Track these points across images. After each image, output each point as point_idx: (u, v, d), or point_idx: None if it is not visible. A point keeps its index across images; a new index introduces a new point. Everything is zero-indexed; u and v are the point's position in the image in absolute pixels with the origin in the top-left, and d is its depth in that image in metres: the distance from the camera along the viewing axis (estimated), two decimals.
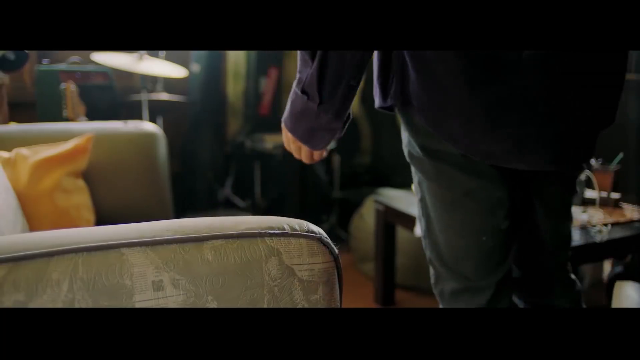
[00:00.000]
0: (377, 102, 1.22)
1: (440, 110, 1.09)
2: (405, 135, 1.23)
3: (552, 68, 1.03)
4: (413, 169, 1.25)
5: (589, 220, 2.14)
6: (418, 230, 2.16)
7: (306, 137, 1.14)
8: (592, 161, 2.38)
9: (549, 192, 1.28)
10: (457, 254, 1.21)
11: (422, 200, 1.24)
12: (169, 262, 0.61)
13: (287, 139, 1.19)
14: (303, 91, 1.08)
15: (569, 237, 1.37)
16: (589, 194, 2.39)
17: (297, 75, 1.10)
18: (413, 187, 1.28)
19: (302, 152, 1.19)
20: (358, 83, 1.08)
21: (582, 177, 2.34)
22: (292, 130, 1.15)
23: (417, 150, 1.18)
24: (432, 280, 1.29)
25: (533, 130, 1.07)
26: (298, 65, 1.10)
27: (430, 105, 1.10)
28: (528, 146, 1.08)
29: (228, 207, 3.73)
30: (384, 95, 1.19)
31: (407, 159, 1.24)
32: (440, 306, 1.28)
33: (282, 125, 1.18)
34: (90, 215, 1.69)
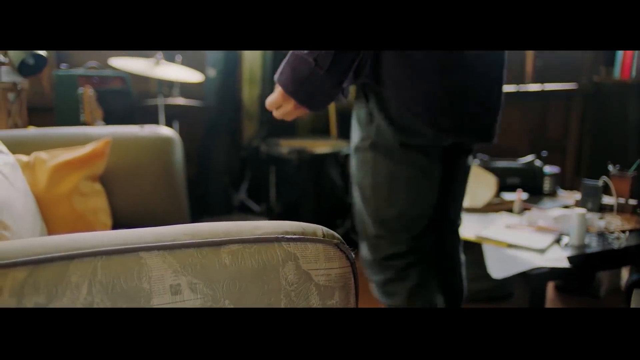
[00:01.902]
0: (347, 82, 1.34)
1: (411, 89, 1.31)
2: (370, 128, 1.41)
3: (491, 64, 1.41)
4: (368, 155, 1.44)
5: (607, 226, 2.12)
6: None
7: (308, 100, 1.26)
8: (610, 167, 2.36)
9: (462, 163, 1.61)
10: (408, 222, 1.47)
11: (376, 182, 1.45)
12: (186, 266, 0.61)
13: (278, 100, 1.29)
14: (315, 59, 1.20)
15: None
16: (607, 200, 2.37)
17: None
18: (355, 171, 1.50)
19: (286, 112, 1.31)
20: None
21: (600, 183, 2.32)
22: (293, 93, 1.25)
23: (387, 139, 1.39)
24: (368, 251, 1.53)
25: (479, 111, 1.40)
26: None
27: (402, 84, 1.32)
28: (474, 123, 1.41)
29: (243, 212, 3.74)
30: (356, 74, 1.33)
31: (367, 149, 1.43)
32: (374, 277, 1.55)
33: (280, 88, 1.27)
34: (108, 219, 1.70)
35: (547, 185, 2.76)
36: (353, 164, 1.50)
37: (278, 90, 1.28)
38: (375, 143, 1.41)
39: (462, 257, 1.71)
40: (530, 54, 4.19)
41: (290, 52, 1.24)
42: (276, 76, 1.28)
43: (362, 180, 1.48)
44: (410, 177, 1.44)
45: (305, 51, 1.20)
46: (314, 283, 0.67)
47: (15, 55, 2.10)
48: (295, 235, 0.67)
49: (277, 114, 1.32)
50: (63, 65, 3.06)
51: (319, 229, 0.70)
